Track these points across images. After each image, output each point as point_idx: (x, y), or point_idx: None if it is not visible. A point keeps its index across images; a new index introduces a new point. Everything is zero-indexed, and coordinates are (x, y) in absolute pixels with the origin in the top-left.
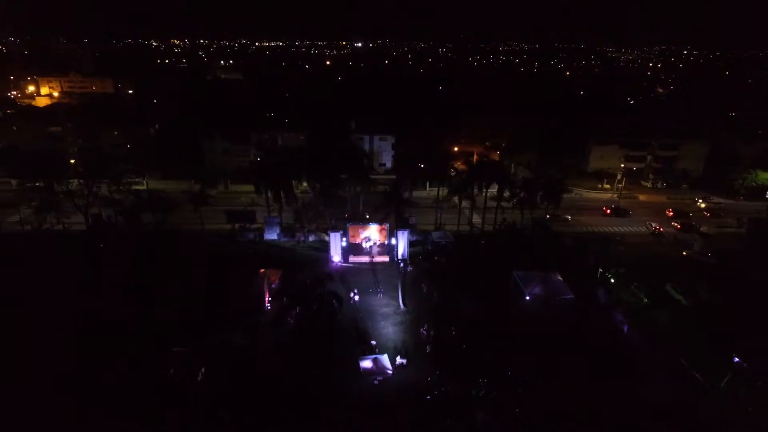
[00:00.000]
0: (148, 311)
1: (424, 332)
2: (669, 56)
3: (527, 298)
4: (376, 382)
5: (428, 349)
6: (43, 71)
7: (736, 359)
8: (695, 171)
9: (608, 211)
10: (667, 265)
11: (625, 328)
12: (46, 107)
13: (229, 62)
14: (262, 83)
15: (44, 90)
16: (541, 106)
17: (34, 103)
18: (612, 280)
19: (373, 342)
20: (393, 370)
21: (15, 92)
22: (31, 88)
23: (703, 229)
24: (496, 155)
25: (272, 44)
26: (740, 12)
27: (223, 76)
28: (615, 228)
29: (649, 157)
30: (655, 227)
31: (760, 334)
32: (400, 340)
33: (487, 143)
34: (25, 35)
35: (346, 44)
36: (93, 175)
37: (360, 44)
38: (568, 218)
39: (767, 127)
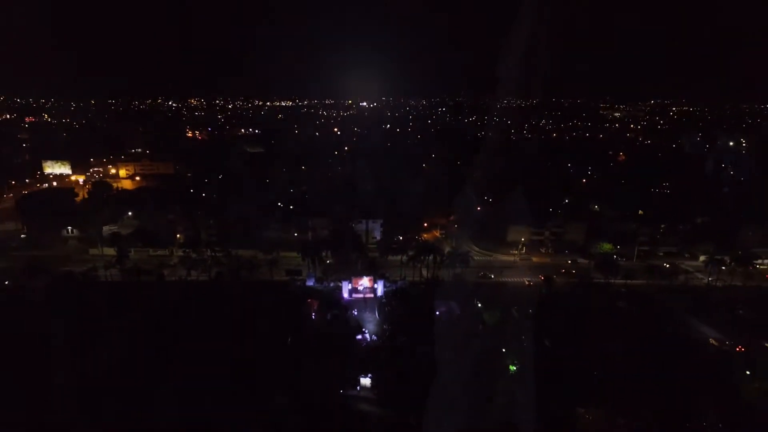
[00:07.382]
0: (259, 319)
1: (386, 327)
2: (657, 112)
3: (437, 313)
4: (363, 344)
5: (386, 332)
6: (106, 149)
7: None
8: (579, 242)
9: None
10: (520, 298)
11: (480, 328)
12: (138, 191)
13: (248, 130)
14: (283, 160)
15: (122, 172)
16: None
17: (120, 184)
18: (479, 305)
19: (363, 329)
20: (370, 339)
21: (97, 173)
22: (113, 171)
23: (556, 278)
24: (455, 228)
25: (283, 104)
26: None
27: (249, 149)
28: (512, 279)
29: (546, 232)
30: (529, 281)
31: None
32: (374, 329)
33: (450, 218)
34: (50, 97)
35: (352, 103)
36: (212, 247)
37: (365, 103)
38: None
39: (645, 206)
